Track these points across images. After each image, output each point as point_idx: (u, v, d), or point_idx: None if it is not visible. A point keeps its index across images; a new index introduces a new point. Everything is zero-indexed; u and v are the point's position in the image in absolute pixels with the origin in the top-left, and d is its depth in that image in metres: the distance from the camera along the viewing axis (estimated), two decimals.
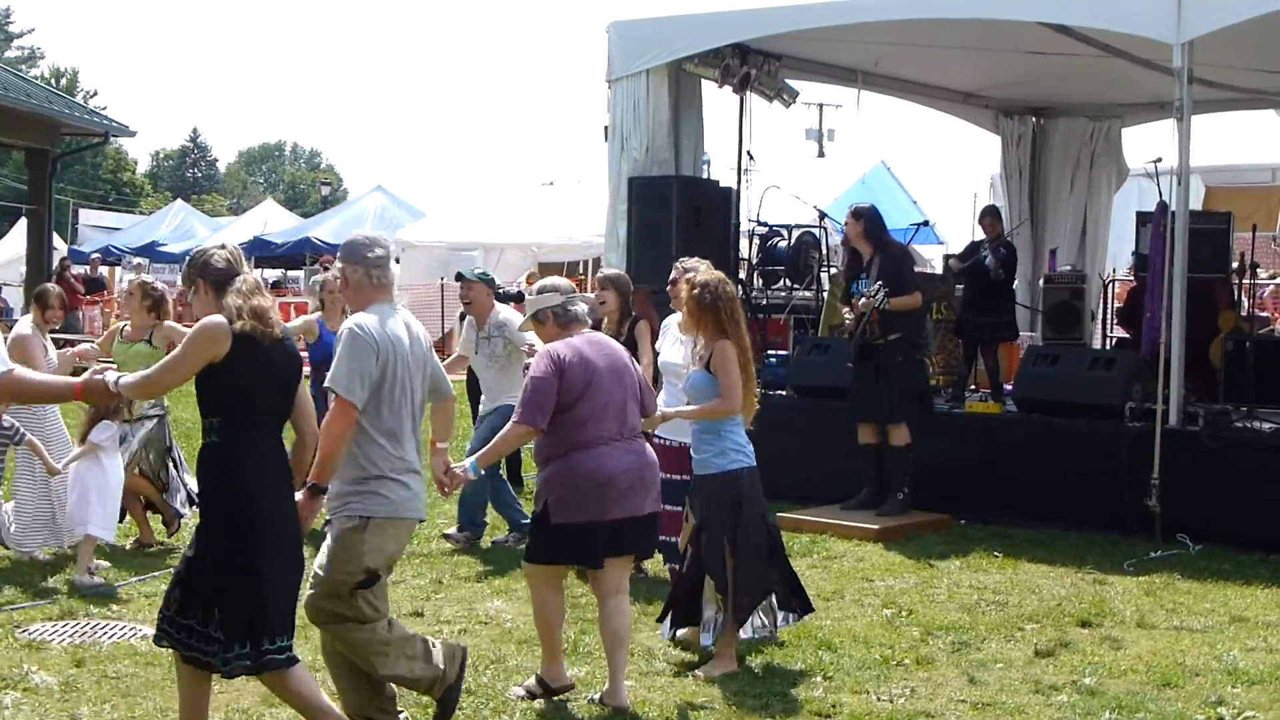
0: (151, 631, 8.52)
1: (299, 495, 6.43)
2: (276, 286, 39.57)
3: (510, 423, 7.45)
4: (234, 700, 7.33)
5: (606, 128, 15.41)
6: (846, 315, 12.72)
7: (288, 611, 6.26)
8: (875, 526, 12.07)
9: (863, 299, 12.26)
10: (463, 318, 12.70)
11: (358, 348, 6.48)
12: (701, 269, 8.63)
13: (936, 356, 16.06)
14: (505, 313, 11.69)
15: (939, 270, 19.89)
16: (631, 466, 7.39)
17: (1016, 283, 16.89)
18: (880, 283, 12.19)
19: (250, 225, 41.06)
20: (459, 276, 12.16)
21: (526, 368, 10.00)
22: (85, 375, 6.29)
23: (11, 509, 10.70)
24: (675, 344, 9.84)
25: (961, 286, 16.37)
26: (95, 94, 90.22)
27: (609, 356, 7.51)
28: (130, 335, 11.26)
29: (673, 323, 9.97)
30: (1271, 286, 23.94)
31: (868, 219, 12.70)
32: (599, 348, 7.53)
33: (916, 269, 15.21)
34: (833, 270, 17.51)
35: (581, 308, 7.63)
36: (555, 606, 7.55)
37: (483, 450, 7.83)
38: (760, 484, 8.16)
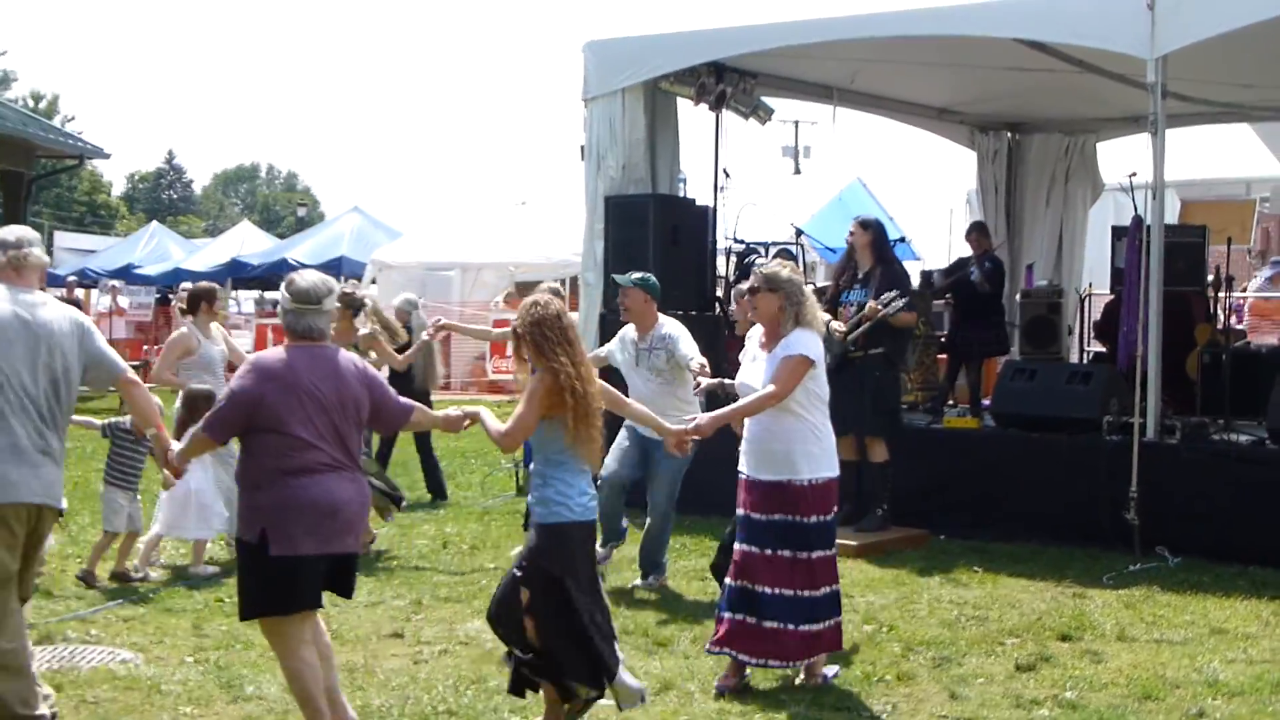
0: (132, 656, 8.52)
1: None
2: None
3: (198, 426, 6.89)
4: None
5: (583, 147, 15.42)
6: (835, 327, 12.42)
7: None
8: (855, 543, 12.05)
9: (869, 305, 12.13)
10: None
11: None
12: (783, 269, 8.16)
13: (915, 373, 16.08)
14: (670, 325, 10.53)
15: (915, 285, 19.90)
16: (354, 498, 6.78)
17: None
18: (898, 292, 12.10)
19: (226, 247, 40.95)
20: (614, 282, 10.65)
21: (697, 385, 9.57)
22: None
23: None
24: (751, 361, 8.37)
25: (950, 302, 16.41)
26: (73, 119, 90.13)
27: (332, 376, 6.73)
28: None
29: (755, 335, 8.55)
30: (1250, 299, 23.99)
31: (875, 230, 12.66)
32: (321, 365, 6.75)
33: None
34: (810, 286, 17.51)
35: (314, 323, 6.80)
36: (314, 665, 6.80)
37: (181, 447, 7.31)
38: (584, 543, 7.10)
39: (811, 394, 8.09)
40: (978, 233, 16.23)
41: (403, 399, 7.18)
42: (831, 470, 8.17)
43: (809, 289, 8.29)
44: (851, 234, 12.79)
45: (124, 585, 10.69)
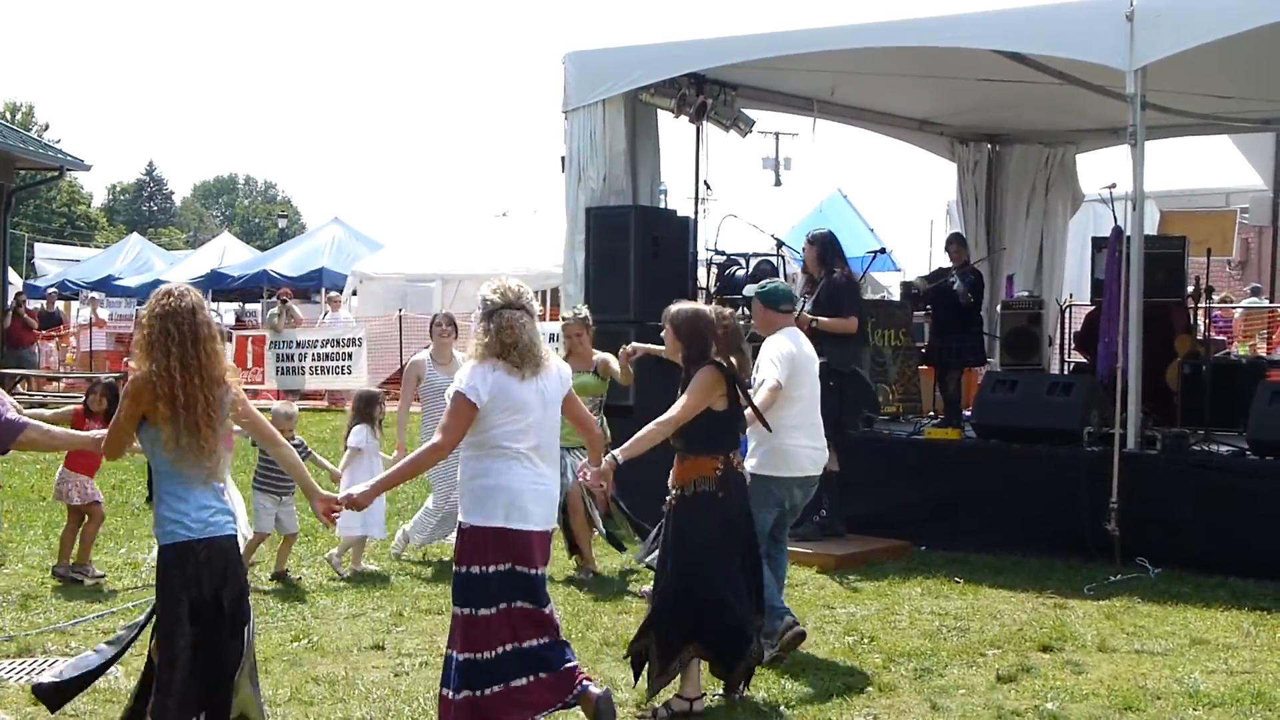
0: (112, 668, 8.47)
1: None
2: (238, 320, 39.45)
3: None
4: None
5: (563, 158, 15.41)
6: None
7: None
8: (836, 553, 12.07)
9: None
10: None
11: None
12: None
13: (895, 384, 16.12)
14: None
15: (896, 297, 19.94)
16: None
17: None
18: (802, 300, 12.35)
19: (207, 258, 40.92)
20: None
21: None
22: None
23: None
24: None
25: (930, 312, 16.46)
26: (48, 127, 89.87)
27: None
28: None
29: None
30: (1238, 310, 24.07)
31: (821, 245, 12.79)
32: None
33: (875, 296, 15.25)
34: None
35: None
36: None
37: None
38: (210, 564, 6.14)
39: (476, 433, 6.94)
40: (957, 245, 16.32)
41: (18, 418, 6.63)
42: (477, 519, 6.93)
43: (497, 317, 7.19)
44: (804, 250, 12.97)
45: (284, 584, 11.27)
